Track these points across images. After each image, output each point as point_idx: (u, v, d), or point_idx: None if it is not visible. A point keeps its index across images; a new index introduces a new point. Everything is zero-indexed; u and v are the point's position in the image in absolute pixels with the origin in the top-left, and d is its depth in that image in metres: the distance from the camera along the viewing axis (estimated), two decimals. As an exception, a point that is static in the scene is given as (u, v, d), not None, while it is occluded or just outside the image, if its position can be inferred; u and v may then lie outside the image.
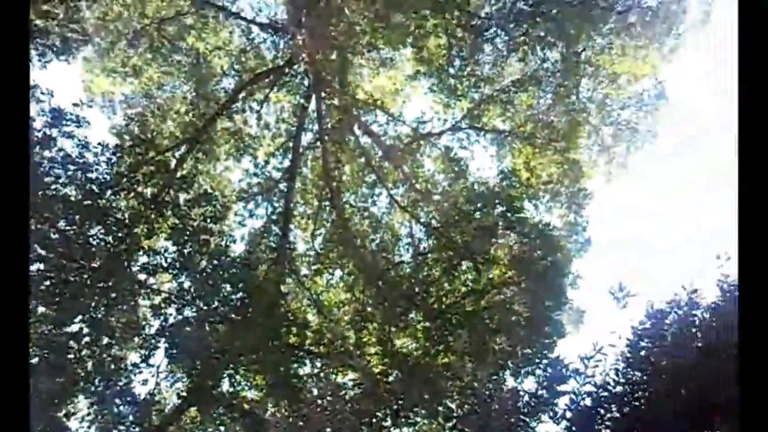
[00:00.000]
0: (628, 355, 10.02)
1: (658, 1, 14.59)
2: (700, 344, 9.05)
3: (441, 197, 13.45)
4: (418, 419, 10.07)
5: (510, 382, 10.31)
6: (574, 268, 12.87)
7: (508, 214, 11.98)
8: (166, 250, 11.29)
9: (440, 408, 9.70)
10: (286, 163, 14.27)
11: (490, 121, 14.86)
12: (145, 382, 10.47)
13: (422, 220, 13.22)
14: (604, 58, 15.08)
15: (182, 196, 12.05)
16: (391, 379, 10.46)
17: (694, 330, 9.37)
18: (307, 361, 11.56)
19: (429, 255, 12.27)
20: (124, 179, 11.64)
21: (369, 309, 11.77)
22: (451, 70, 15.36)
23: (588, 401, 9.52)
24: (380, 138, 14.86)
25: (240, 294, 10.95)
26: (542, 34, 14.86)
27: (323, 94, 15.10)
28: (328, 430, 8.78)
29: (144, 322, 10.87)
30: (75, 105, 11.38)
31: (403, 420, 9.72)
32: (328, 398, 9.55)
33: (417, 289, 11.68)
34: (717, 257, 9.39)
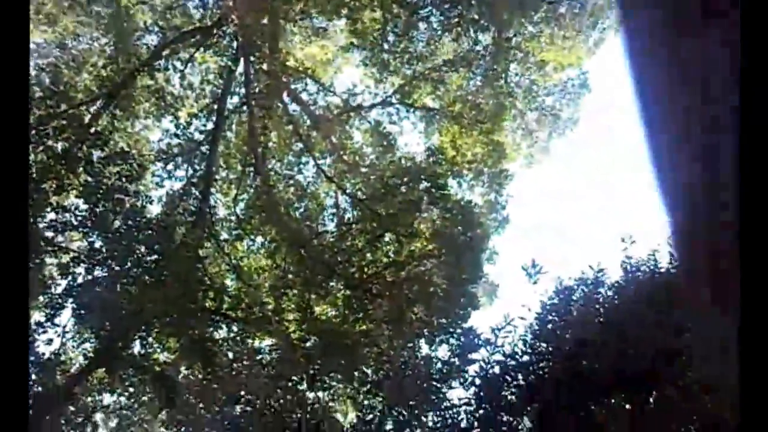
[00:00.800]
0: (536, 327, 10.51)
1: (586, -5, 15.15)
2: (602, 320, 9.62)
3: (368, 170, 13.48)
4: (334, 384, 10.15)
5: (425, 349, 10.57)
6: (492, 245, 13.31)
7: (433, 190, 12.18)
8: (76, 208, 10.71)
9: (356, 374, 9.80)
10: (210, 125, 13.81)
11: (420, 98, 14.99)
12: (49, 341, 9.97)
13: (348, 191, 13.21)
14: (533, 46, 15.52)
15: (96, 153, 11.45)
16: (308, 345, 10.46)
17: (597, 306, 9.94)
18: (224, 326, 11.37)
19: (353, 226, 12.30)
20: (33, 132, 10.92)
21: (290, 276, 11.67)
22: (385, 45, 15.34)
23: (496, 369, 9.92)
24: (309, 107, 14.67)
25: (155, 256, 10.57)
26: (476, 17, 15.11)
27: (252, 59, 14.68)
28: (243, 393, 8.69)
29: (50, 281, 10.30)
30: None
31: (318, 384, 9.76)
32: (244, 362, 9.44)
33: (339, 259, 11.69)
34: (622, 240, 9.99)
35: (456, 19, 15.13)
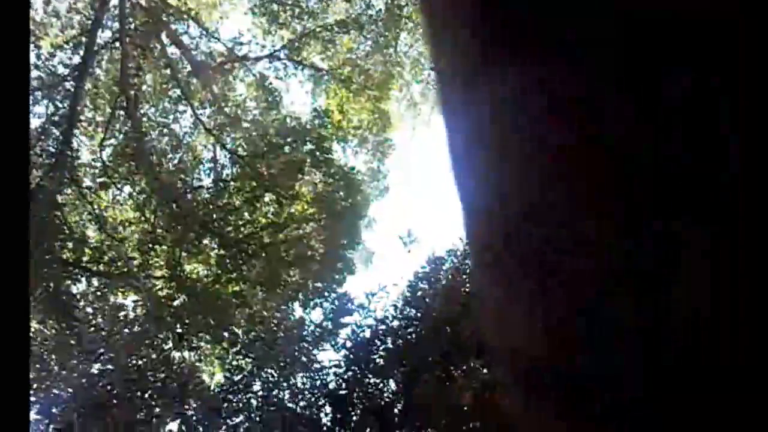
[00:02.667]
0: (408, 294, 10.99)
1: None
2: (467, 289, 10.26)
3: (250, 125, 13.02)
4: (203, 344, 9.91)
5: (298, 312, 10.63)
6: (371, 212, 13.55)
7: (317, 153, 12.08)
8: None
9: (226, 334, 9.64)
10: (77, 59, 12.51)
11: (309, 56, 14.66)
12: None
13: (228, 146, 12.69)
14: (423, 17, 15.71)
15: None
16: (176, 303, 10.08)
17: (464, 277, 10.57)
18: (83, 279, 10.58)
19: (231, 183, 11.89)
20: None
21: (159, 231, 11.09)
22: (276, -4, 14.76)
23: (367, 333, 10.26)
24: (190, 52, 13.79)
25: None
26: (370, -21, 14.95)
27: (129, -9, 13.46)
28: (102, 350, 8.22)
29: None
30: None
31: (185, 344, 9.48)
32: (105, 318, 8.91)
33: (214, 216, 11.29)
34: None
35: (349, -23, 14.90)
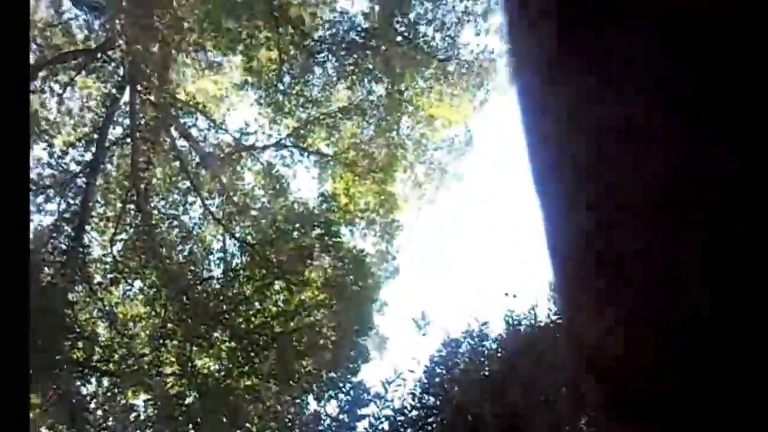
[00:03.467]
0: (425, 380, 10.74)
1: (474, 57, 16.12)
2: (486, 373, 10.05)
3: (259, 213, 13.16)
4: (216, 444, 9.62)
5: (313, 405, 10.36)
6: (382, 295, 13.46)
7: (326, 237, 12.15)
8: None
9: (240, 432, 9.38)
10: (89, 156, 12.82)
11: (314, 143, 15.01)
12: None
13: (237, 234, 12.78)
14: (424, 100, 16.20)
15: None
16: (188, 401, 9.84)
17: (482, 359, 10.38)
18: (93, 379, 10.37)
19: (241, 272, 11.88)
20: None
21: (169, 325, 10.98)
22: (281, 86, 15.28)
23: (386, 425, 9.96)
24: (199, 143, 14.13)
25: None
26: (370, 67, 15.54)
27: (139, 88, 13.95)
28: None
29: None
30: None
31: (199, 445, 9.20)
32: (116, 419, 8.69)
33: (225, 307, 11.22)
34: (505, 294, 10.58)
35: (351, 68, 15.47)
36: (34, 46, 13.27)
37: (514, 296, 10.80)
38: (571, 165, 0.65)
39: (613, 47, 0.62)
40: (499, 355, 10.53)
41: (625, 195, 0.60)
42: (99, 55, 13.97)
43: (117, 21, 13.69)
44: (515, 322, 10.61)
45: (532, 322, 10.50)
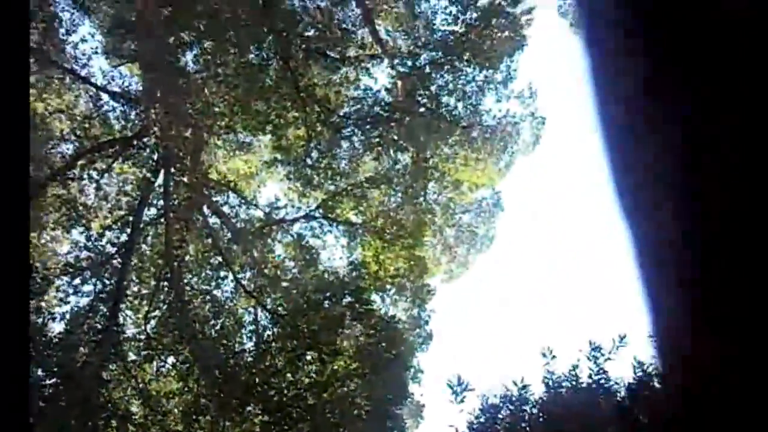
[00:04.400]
0: (465, 450, 10.22)
1: (497, 122, 16.40)
2: (527, 439, 9.53)
3: (290, 284, 13.21)
4: None
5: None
6: (416, 362, 13.11)
7: (356, 305, 12.04)
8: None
9: None
10: (124, 237, 13.23)
11: (343, 213, 15.22)
12: None
13: (268, 306, 12.80)
14: (449, 166, 16.42)
15: (-5, 266, 10.58)
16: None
17: (524, 425, 9.88)
18: (126, 461, 10.22)
19: (273, 344, 11.80)
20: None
21: (203, 400, 10.85)
22: (309, 161, 15.72)
23: (426, 498, 9.43)
24: (230, 220, 14.47)
25: (53, 379, 9.58)
26: (395, 138, 15.91)
27: (173, 170, 14.53)
28: None
29: None
30: None
31: None
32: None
33: (257, 380, 11.06)
34: (543, 354, 10.16)
35: (377, 140, 15.86)
36: (72, 137, 14.08)
37: (553, 356, 10.38)
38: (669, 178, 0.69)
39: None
40: (540, 419, 10.04)
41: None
42: (135, 142, 14.69)
43: (152, 110, 14.48)
44: (556, 384, 10.15)
45: (574, 383, 10.03)
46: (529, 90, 16.06)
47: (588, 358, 9.70)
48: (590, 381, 9.54)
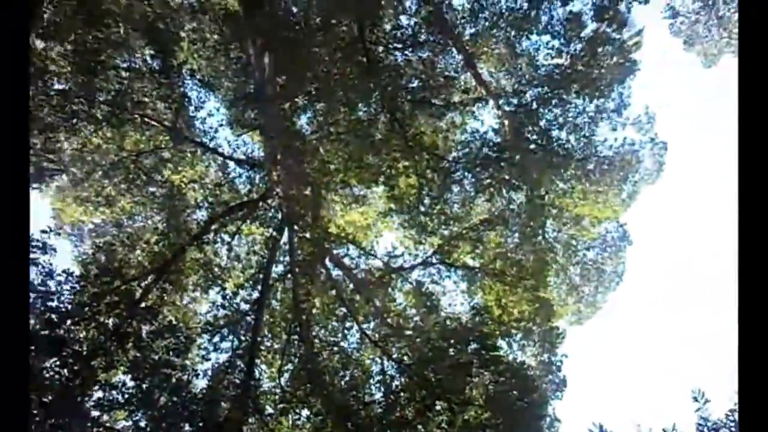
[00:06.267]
0: (613, 505, 9.51)
1: (614, 152, 15.71)
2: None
3: (413, 332, 13.24)
4: None
5: None
6: (551, 410, 12.50)
7: (483, 352, 11.79)
8: (123, 385, 10.60)
9: None
10: (255, 294, 14.01)
11: (460, 257, 15.13)
12: None
13: (394, 356, 12.87)
14: (567, 201, 15.88)
15: (145, 328, 11.58)
16: None
17: (678, 477, 9.05)
18: None
19: (401, 394, 11.79)
20: (86, 309, 11.20)
21: (337, 454, 11.01)
22: (422, 208, 15.89)
23: None
24: (352, 271, 14.87)
25: (200, 435, 10.19)
26: (507, 177, 15.70)
27: (296, 228, 15.27)
28: None
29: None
30: (43, 232, 11.20)
31: None
32: None
33: (389, 432, 11.07)
34: (694, 398, 9.29)
35: (488, 180, 15.73)
36: (205, 204, 15.31)
37: (706, 401, 9.48)
38: None
39: None
40: (699, 471, 9.15)
41: None
42: (260, 204, 15.66)
43: (273, 172, 15.42)
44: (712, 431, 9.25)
45: (733, 429, 9.10)
46: (646, 115, 15.30)
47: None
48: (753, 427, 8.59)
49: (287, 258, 14.69)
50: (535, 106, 15.38)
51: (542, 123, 15.71)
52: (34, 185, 13.51)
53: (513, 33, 15.50)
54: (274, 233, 14.99)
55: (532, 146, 15.57)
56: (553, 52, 15.06)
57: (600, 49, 14.75)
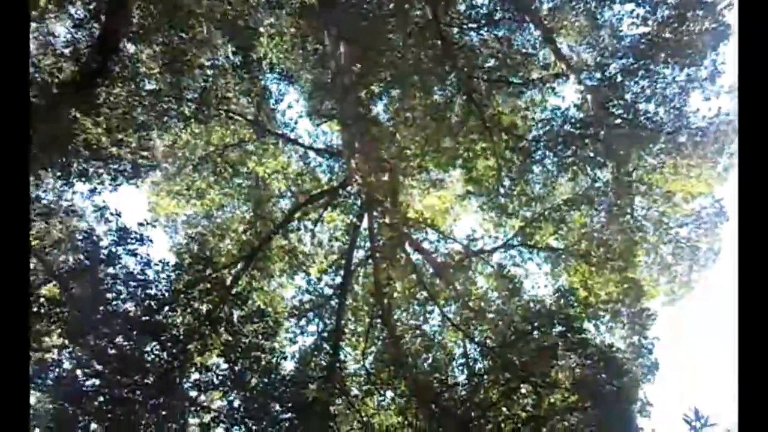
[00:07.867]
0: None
1: (707, 123, 14.75)
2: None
3: (495, 315, 13.11)
4: None
5: None
6: (642, 394, 12.02)
7: (568, 335, 11.49)
8: (217, 367, 11.20)
9: None
10: (338, 279, 14.36)
11: (543, 239, 14.77)
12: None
13: (476, 339, 12.81)
14: (657, 177, 15.09)
15: (236, 313, 12.15)
16: None
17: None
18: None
19: (485, 377, 11.73)
20: (182, 296, 11.89)
21: (422, 434, 11.14)
22: (501, 190, 15.63)
23: None
24: (431, 255, 14.88)
25: (289, 414, 10.60)
26: (591, 154, 15.10)
27: (375, 214, 15.45)
28: None
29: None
30: (140, 224, 11.98)
31: None
32: None
33: (473, 414, 11.05)
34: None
35: (571, 159, 15.20)
36: (289, 194, 15.84)
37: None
38: None
39: None
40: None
41: None
42: (340, 192, 15.98)
43: (352, 160, 15.67)
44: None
45: None
46: (744, 81, 14.19)
47: None
48: None
49: (367, 243, 14.92)
50: (619, 78, 14.65)
51: (628, 96, 14.95)
52: (131, 181, 14.43)
53: (594, 4, 14.85)
54: (355, 219, 15.26)
55: (618, 121, 14.88)
56: (638, 21, 14.28)
57: (689, 14, 13.83)
